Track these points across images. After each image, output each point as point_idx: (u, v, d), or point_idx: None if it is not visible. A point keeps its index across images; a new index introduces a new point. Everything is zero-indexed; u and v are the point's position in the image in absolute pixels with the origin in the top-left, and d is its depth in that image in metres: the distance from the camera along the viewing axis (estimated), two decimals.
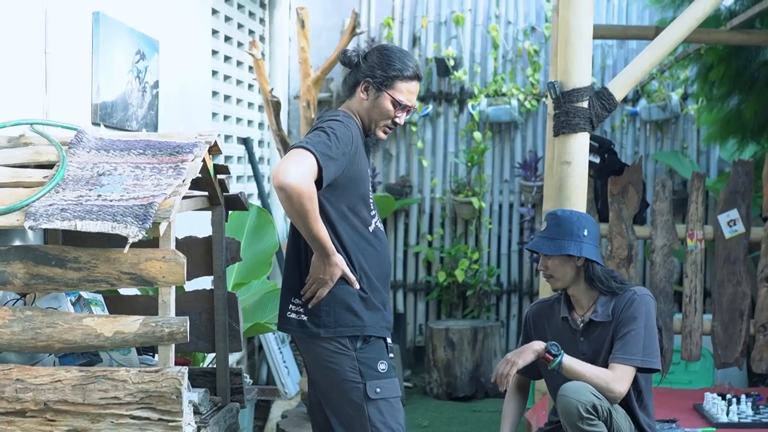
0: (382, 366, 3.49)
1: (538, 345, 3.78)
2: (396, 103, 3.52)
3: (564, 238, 3.83)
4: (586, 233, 3.85)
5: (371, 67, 3.50)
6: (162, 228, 3.03)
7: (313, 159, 3.23)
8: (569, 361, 3.74)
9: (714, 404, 4.95)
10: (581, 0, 4.21)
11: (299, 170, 3.20)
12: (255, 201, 6.90)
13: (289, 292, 3.56)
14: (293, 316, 3.52)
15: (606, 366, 3.81)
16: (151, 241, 3.13)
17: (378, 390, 3.45)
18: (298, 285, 3.52)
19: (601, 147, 6.16)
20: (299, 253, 3.54)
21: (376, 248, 3.58)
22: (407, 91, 3.52)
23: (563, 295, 3.98)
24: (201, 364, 4.64)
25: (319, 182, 3.28)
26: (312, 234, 3.33)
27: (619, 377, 3.75)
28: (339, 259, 3.42)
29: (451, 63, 8.00)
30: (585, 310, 3.93)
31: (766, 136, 6.95)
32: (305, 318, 3.48)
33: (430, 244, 8.18)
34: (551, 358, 3.74)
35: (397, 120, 3.56)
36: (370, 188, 3.63)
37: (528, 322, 4.11)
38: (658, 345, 3.87)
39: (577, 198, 4.25)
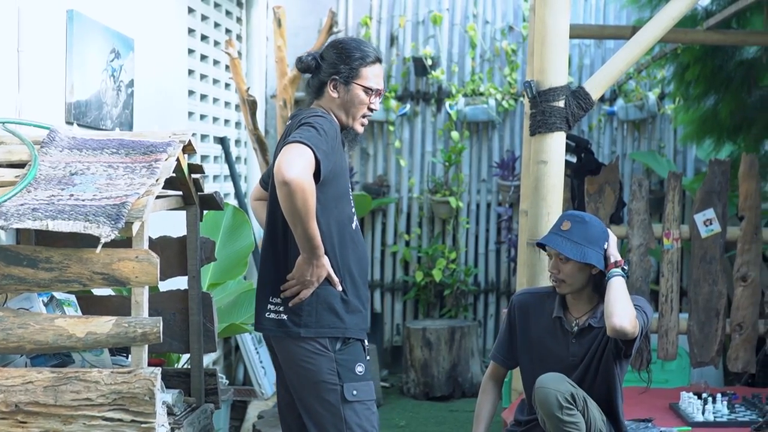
0: (359, 368, 3.48)
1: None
2: (368, 90, 3.54)
3: (587, 244, 3.76)
4: (606, 246, 3.82)
5: (332, 64, 3.51)
6: (135, 228, 3.01)
7: (311, 153, 3.23)
8: (619, 282, 3.71)
9: (690, 403, 4.96)
10: (558, 0, 4.20)
11: (301, 164, 3.20)
12: (232, 201, 6.87)
13: (267, 290, 3.53)
14: (272, 315, 3.49)
15: (595, 372, 3.81)
16: (125, 241, 3.10)
17: (355, 392, 3.44)
18: (277, 283, 3.49)
19: (577, 146, 6.16)
20: (277, 251, 3.51)
21: (358, 245, 3.59)
22: (374, 76, 3.55)
23: (557, 294, 3.93)
24: (176, 364, 4.61)
25: (316, 176, 3.28)
26: (308, 233, 3.31)
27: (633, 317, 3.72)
28: (326, 260, 3.41)
29: (429, 62, 8.00)
30: (582, 314, 3.89)
31: (742, 135, 6.97)
32: (285, 317, 3.46)
33: (407, 243, 8.17)
34: (617, 268, 3.73)
35: (372, 106, 3.58)
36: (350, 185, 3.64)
37: (513, 311, 4.04)
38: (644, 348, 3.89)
39: (554, 197, 4.24)
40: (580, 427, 3.67)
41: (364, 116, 3.59)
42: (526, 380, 4.00)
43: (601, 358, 3.83)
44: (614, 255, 3.78)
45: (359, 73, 3.52)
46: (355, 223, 3.60)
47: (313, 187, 3.24)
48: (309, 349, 3.45)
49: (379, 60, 3.59)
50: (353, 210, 3.60)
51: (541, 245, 3.90)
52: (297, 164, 3.18)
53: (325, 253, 3.43)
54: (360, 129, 3.61)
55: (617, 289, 3.69)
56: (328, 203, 3.44)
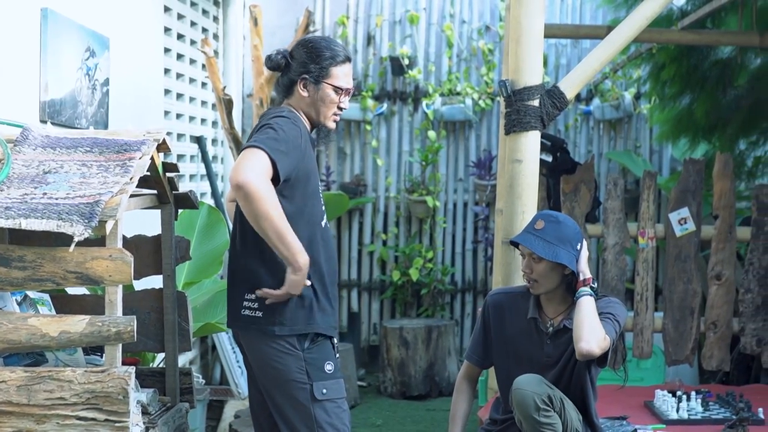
0: (329, 366, 3.47)
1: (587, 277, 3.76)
2: (338, 89, 3.55)
3: (560, 244, 3.74)
4: (578, 247, 3.80)
5: (302, 63, 3.52)
6: (108, 226, 3.00)
7: (264, 155, 3.23)
8: (588, 302, 3.70)
9: (664, 401, 4.98)
10: (533, 0, 4.22)
11: (254, 167, 3.20)
12: (208, 200, 6.86)
13: (242, 287, 3.51)
14: (247, 312, 3.48)
15: (570, 373, 3.82)
16: (99, 240, 3.09)
17: (324, 391, 3.43)
18: (251, 280, 3.47)
19: (553, 145, 6.18)
20: (249, 247, 3.49)
21: (327, 244, 3.58)
22: (344, 75, 3.56)
23: (531, 294, 3.92)
24: (151, 363, 4.60)
25: (276, 178, 3.28)
26: (280, 238, 3.28)
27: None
28: (305, 262, 3.36)
29: (406, 62, 8.01)
30: (556, 314, 3.88)
31: (716, 135, 7.02)
32: (260, 315, 3.45)
33: (384, 243, 8.18)
34: (585, 287, 3.72)
35: (342, 105, 3.60)
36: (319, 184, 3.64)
37: (487, 311, 4.02)
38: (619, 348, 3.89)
39: (529, 196, 4.26)
40: (557, 428, 3.68)
41: (334, 114, 3.60)
42: (501, 380, 3.99)
43: (576, 360, 3.84)
44: (584, 272, 3.78)
45: (329, 72, 3.52)
46: (324, 222, 3.60)
47: (269, 190, 3.23)
48: (278, 349, 3.44)
49: (348, 59, 3.60)
50: (323, 209, 3.60)
51: (515, 244, 3.90)
52: (249, 168, 3.20)
53: (309, 252, 3.42)
54: (332, 125, 3.62)
55: (585, 311, 3.68)
56: (297, 202, 3.43)
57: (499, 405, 4.11)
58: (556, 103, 4.26)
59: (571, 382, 3.87)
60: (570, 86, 4.28)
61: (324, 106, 3.55)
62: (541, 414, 3.63)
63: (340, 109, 3.61)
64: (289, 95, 3.56)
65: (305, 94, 3.53)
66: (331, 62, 3.52)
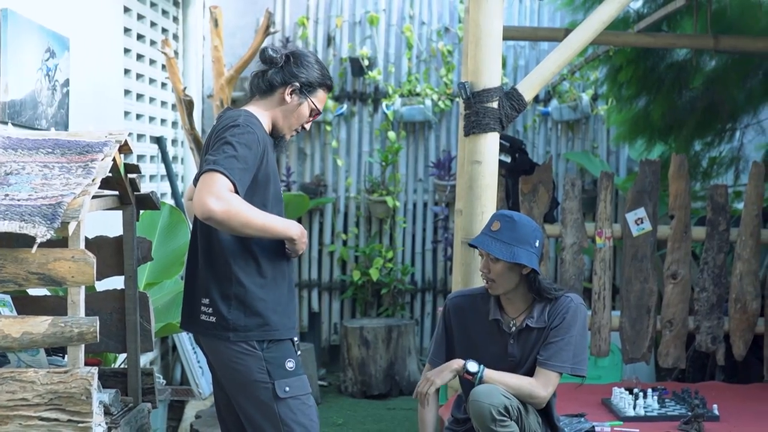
0: (290, 364, 3.45)
1: (457, 364, 3.78)
2: (313, 110, 3.55)
3: (517, 244, 3.76)
4: (537, 244, 3.82)
5: (299, 70, 3.49)
6: (71, 228, 3.01)
7: (225, 180, 3.18)
8: (489, 375, 3.76)
9: (621, 398, 5.06)
10: (491, 2, 4.26)
11: (214, 193, 3.15)
12: (168, 200, 6.85)
13: (198, 291, 3.48)
14: (204, 317, 3.44)
15: (532, 370, 3.84)
16: (60, 241, 3.10)
17: (287, 389, 3.42)
18: (207, 284, 3.44)
19: (512, 146, 6.24)
20: (206, 250, 3.45)
21: (287, 248, 3.56)
22: (323, 99, 3.58)
23: (490, 294, 3.94)
24: (112, 364, 4.60)
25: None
26: (268, 232, 3.34)
27: (543, 383, 3.80)
28: (300, 231, 3.45)
29: (366, 63, 8.04)
30: (518, 314, 3.91)
31: (672, 136, 7.12)
32: (214, 320, 3.42)
33: (344, 243, 8.21)
34: (470, 377, 3.76)
35: (306, 125, 3.59)
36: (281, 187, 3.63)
37: (447, 314, 4.05)
38: (587, 353, 3.93)
39: (488, 197, 4.30)
40: None
41: (295, 130, 3.58)
42: (464, 382, 4.01)
43: (536, 357, 3.88)
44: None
45: (317, 91, 3.53)
46: None
47: (235, 204, 3.18)
48: (238, 350, 3.41)
49: (332, 89, 3.63)
50: (283, 213, 3.58)
51: (474, 245, 3.94)
52: (210, 195, 3.15)
53: (256, 257, 3.42)
54: (288, 137, 3.60)
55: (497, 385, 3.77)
56: (257, 206, 3.37)
57: (461, 403, 4.14)
58: (515, 104, 4.31)
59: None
60: (528, 88, 4.34)
61: (295, 120, 3.53)
62: (498, 424, 3.67)
63: (303, 128, 3.60)
64: (266, 94, 3.50)
65: (288, 100, 3.49)
66: (322, 82, 3.53)
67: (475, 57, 4.27)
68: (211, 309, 3.42)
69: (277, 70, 3.48)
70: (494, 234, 3.80)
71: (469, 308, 4.01)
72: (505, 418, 3.68)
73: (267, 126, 3.50)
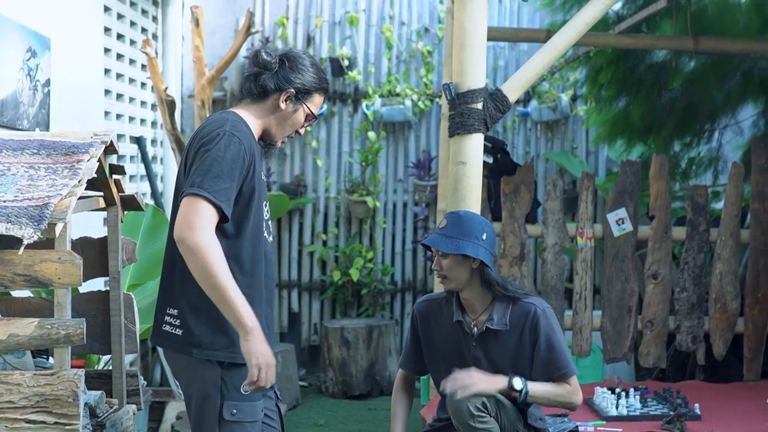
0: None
1: (500, 382, 3.75)
2: (309, 116, 3.35)
3: (462, 237, 3.79)
4: (484, 237, 3.82)
5: (295, 76, 3.26)
6: (58, 229, 2.99)
7: (207, 205, 3.00)
8: (533, 390, 3.78)
9: (604, 398, 5.08)
10: (476, 4, 4.27)
11: (196, 223, 2.98)
12: (148, 200, 6.82)
13: (165, 301, 3.25)
14: (167, 328, 3.21)
15: (510, 370, 3.84)
16: (45, 242, 3.08)
17: (234, 411, 3.15)
18: (174, 293, 3.22)
19: (494, 147, 6.26)
20: (175, 260, 3.17)
21: (270, 262, 3.36)
22: (319, 103, 3.36)
23: (455, 296, 3.95)
24: (95, 366, 4.58)
25: (223, 217, 3.07)
26: (222, 295, 3.00)
27: (575, 390, 3.87)
28: (259, 331, 3.05)
29: (346, 63, 8.04)
30: (478, 315, 3.91)
31: (652, 136, 7.15)
32: (180, 333, 3.18)
33: (324, 243, 8.20)
34: (516, 394, 3.76)
35: (300, 130, 3.39)
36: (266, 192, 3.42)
37: (415, 319, 4.08)
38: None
39: (473, 198, 4.31)
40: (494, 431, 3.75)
41: (288, 136, 3.39)
42: (438, 384, 4.02)
43: (513, 364, 3.87)
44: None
45: (313, 96, 3.31)
46: (269, 234, 3.37)
47: (214, 247, 2.99)
48: (196, 360, 3.18)
49: (327, 90, 3.40)
50: (269, 221, 3.38)
51: (426, 246, 3.94)
52: (191, 223, 2.98)
53: (240, 274, 3.15)
54: (280, 144, 3.39)
55: (540, 399, 3.84)
56: (242, 220, 3.18)
57: (444, 404, 4.16)
58: (499, 106, 4.32)
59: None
60: (512, 89, 4.35)
61: (289, 126, 3.33)
62: (476, 420, 3.69)
63: (298, 133, 3.40)
64: (259, 99, 3.28)
65: (283, 107, 3.27)
66: (318, 87, 3.31)
67: (460, 58, 4.27)
68: (178, 321, 3.18)
69: (271, 75, 3.25)
70: (442, 231, 3.84)
71: (434, 312, 4.03)
72: (483, 414, 3.70)
73: (257, 132, 3.30)
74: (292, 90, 3.26)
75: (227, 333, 3.12)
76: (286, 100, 3.27)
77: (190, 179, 3.05)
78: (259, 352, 3.02)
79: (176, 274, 3.19)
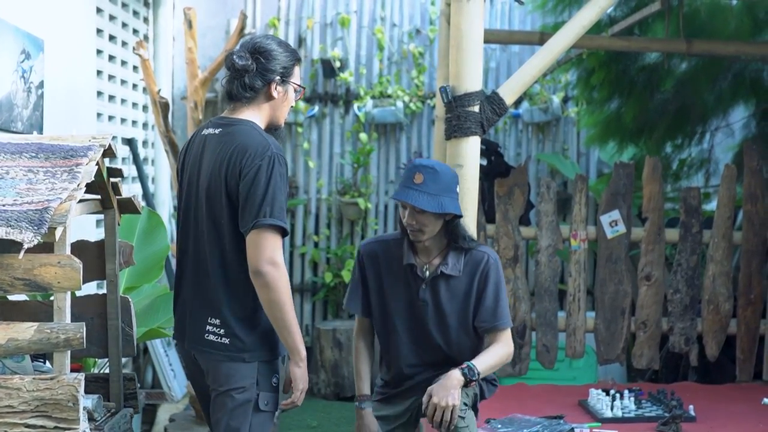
0: (274, 380, 3.44)
1: (458, 380, 3.74)
2: (297, 89, 3.54)
3: (442, 194, 3.77)
4: (458, 189, 3.87)
5: (273, 64, 3.43)
6: (58, 233, 2.98)
7: (278, 237, 3.25)
8: (481, 367, 3.79)
9: (599, 400, 5.09)
10: (473, 7, 4.26)
11: (273, 256, 3.22)
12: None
13: (205, 311, 3.39)
14: (212, 338, 3.37)
15: (443, 315, 3.89)
16: (43, 246, 3.06)
17: (266, 402, 3.40)
18: (219, 304, 3.36)
19: (488, 149, 6.26)
20: (213, 271, 3.36)
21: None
22: (299, 74, 3.55)
23: (405, 239, 3.92)
24: (92, 369, 4.56)
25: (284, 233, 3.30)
26: (289, 329, 3.30)
27: (505, 343, 3.89)
28: (304, 365, 3.40)
29: (337, 64, 8.03)
30: (431, 259, 3.91)
31: (644, 138, 7.17)
32: (227, 342, 3.35)
33: (316, 244, 8.19)
34: (473, 382, 3.77)
35: (292, 104, 3.59)
36: None
37: (361, 260, 4.02)
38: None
39: (469, 200, 4.31)
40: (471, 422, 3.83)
41: (288, 112, 3.59)
42: (378, 328, 4.05)
43: (459, 310, 3.90)
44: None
45: (293, 71, 3.50)
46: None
47: (287, 284, 3.27)
48: (247, 362, 3.40)
49: (300, 58, 3.60)
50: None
51: (401, 200, 3.87)
52: (276, 261, 3.22)
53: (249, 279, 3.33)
54: (283, 123, 3.59)
55: (489, 369, 3.86)
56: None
57: (382, 362, 4.15)
58: (496, 108, 4.32)
59: (450, 326, 3.92)
60: (509, 92, 4.35)
61: (285, 107, 3.52)
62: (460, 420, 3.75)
63: (291, 107, 3.61)
64: (253, 99, 3.44)
65: (275, 94, 3.45)
66: (294, 61, 3.49)
67: (457, 61, 4.27)
68: (222, 330, 3.36)
69: (254, 74, 3.41)
70: (419, 187, 3.78)
71: (383, 254, 4.00)
72: (463, 408, 3.76)
73: (265, 126, 3.48)
74: (277, 77, 3.44)
75: (266, 336, 3.40)
76: (275, 88, 3.45)
77: (259, 209, 3.23)
78: (306, 378, 3.40)
79: (218, 287, 3.37)
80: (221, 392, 3.40)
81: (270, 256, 3.22)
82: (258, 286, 3.25)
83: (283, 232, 3.27)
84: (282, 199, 3.28)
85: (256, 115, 3.46)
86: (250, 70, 3.40)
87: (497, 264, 3.92)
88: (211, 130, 3.45)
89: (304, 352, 3.37)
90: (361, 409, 4.06)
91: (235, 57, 3.40)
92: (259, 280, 3.23)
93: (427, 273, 3.90)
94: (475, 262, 3.89)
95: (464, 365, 3.75)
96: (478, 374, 3.75)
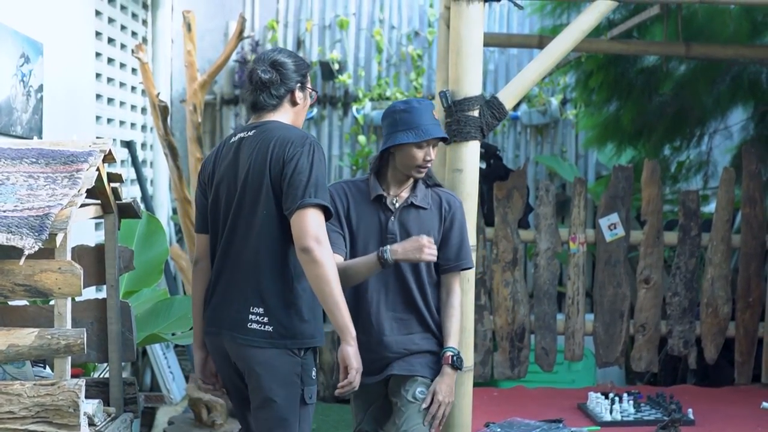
0: (314, 373, 3.51)
1: (454, 375, 3.82)
2: (312, 94, 3.73)
3: (438, 123, 3.88)
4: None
5: (291, 74, 3.61)
6: (58, 239, 2.98)
7: (322, 215, 3.36)
8: (457, 344, 3.85)
9: (598, 403, 5.09)
10: (472, 12, 4.26)
11: (319, 233, 3.31)
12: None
13: (247, 301, 3.46)
14: (255, 326, 3.43)
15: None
16: (43, 251, 3.06)
17: (311, 396, 3.48)
18: (259, 292, 3.44)
19: (487, 152, 6.26)
20: (258, 260, 3.45)
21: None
22: (309, 79, 3.73)
23: (371, 176, 3.92)
24: (91, 373, 4.56)
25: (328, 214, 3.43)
26: (338, 306, 3.35)
27: (460, 290, 3.94)
28: (356, 339, 3.45)
29: (336, 66, 8.04)
30: (399, 191, 3.89)
31: (642, 141, 7.17)
32: (271, 329, 3.42)
33: None
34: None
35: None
36: None
37: (331, 198, 3.85)
38: None
39: (469, 205, 4.29)
40: None
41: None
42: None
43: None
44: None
45: (307, 78, 3.68)
46: None
47: (333, 261, 3.36)
48: (279, 352, 3.44)
49: (310, 66, 3.81)
50: None
51: (440, 139, 3.88)
52: (321, 239, 3.32)
53: (291, 267, 3.44)
54: (302, 125, 3.74)
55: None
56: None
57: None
58: (496, 113, 4.31)
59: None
60: (509, 97, 4.34)
61: (305, 110, 3.72)
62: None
63: None
64: (278, 106, 3.61)
65: (299, 100, 3.64)
66: (306, 69, 3.68)
67: (456, 65, 4.26)
68: (266, 318, 3.43)
69: (278, 85, 3.60)
70: (434, 121, 3.85)
71: (351, 190, 3.97)
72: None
73: None
74: (298, 85, 3.63)
75: (309, 322, 3.46)
76: (299, 97, 3.65)
77: (304, 190, 3.37)
78: (359, 357, 3.44)
79: (261, 275, 3.45)
80: (254, 386, 3.47)
81: (315, 233, 3.31)
82: (305, 262, 3.33)
83: (326, 212, 3.38)
84: (324, 182, 3.41)
85: (282, 118, 3.63)
86: (275, 81, 3.58)
87: (462, 207, 3.99)
88: (243, 134, 3.59)
89: (353, 331, 3.42)
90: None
91: (260, 72, 3.58)
92: (306, 257, 3.31)
93: (397, 204, 3.89)
94: (442, 200, 3.92)
95: (449, 356, 3.80)
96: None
